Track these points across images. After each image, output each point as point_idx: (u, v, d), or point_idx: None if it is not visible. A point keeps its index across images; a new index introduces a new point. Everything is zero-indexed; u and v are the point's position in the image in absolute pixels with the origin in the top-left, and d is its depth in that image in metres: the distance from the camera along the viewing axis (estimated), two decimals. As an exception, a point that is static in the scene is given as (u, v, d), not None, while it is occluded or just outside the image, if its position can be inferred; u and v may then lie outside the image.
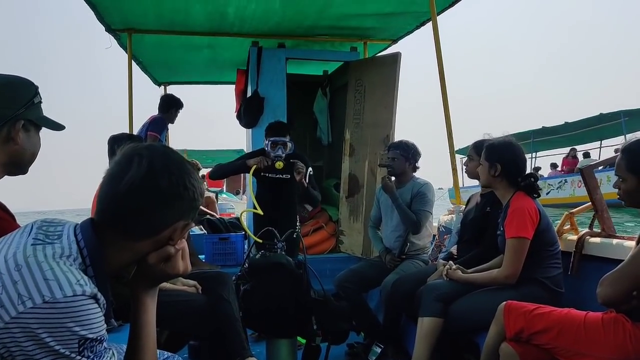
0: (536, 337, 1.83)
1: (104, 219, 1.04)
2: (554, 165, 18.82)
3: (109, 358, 0.96)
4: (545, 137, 18.20)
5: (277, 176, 3.64)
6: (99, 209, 1.05)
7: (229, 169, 3.87)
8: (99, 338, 0.93)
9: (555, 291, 2.31)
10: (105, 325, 0.96)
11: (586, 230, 2.57)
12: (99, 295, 0.95)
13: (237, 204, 11.45)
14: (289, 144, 3.57)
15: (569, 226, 2.70)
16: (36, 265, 0.90)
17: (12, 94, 1.30)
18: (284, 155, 3.55)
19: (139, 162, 1.02)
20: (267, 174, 3.65)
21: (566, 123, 16.42)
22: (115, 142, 2.94)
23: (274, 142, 3.55)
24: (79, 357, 0.89)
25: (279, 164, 3.50)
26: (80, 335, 0.89)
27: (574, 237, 2.56)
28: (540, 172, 19.48)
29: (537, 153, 19.97)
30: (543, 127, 17.37)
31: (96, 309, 0.93)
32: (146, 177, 1.01)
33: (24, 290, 0.87)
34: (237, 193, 15.31)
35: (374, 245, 3.71)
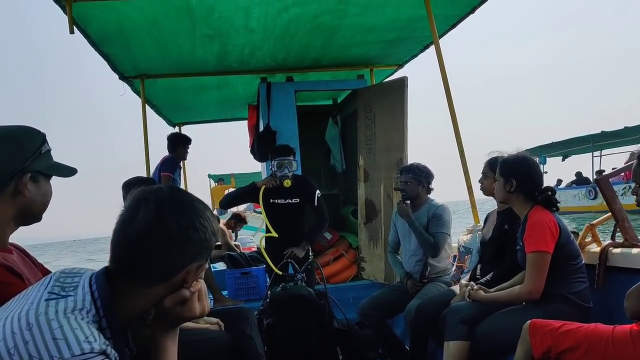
0: (564, 355, 1.79)
1: (117, 266, 1.04)
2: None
3: None
4: (605, 142, 17.89)
5: (287, 201, 3.74)
6: (112, 256, 1.05)
7: (237, 195, 3.97)
8: None
9: (582, 306, 2.25)
10: None
11: (609, 241, 2.52)
12: (109, 350, 0.95)
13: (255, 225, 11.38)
14: (294, 163, 3.75)
15: (590, 238, 2.65)
16: (46, 324, 0.91)
17: (18, 147, 1.28)
18: (290, 174, 3.69)
19: (146, 206, 1.02)
20: (276, 200, 3.74)
21: (625, 128, 16.15)
22: (129, 187, 2.99)
23: (280, 162, 3.70)
24: None
25: (287, 182, 3.64)
26: None
27: (597, 249, 2.51)
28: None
29: (603, 151, 19.42)
30: (602, 131, 17.11)
31: None
32: (154, 222, 1.01)
33: (34, 350, 0.88)
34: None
35: (395, 271, 3.68)
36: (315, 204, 3.80)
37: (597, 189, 16.76)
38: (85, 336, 0.91)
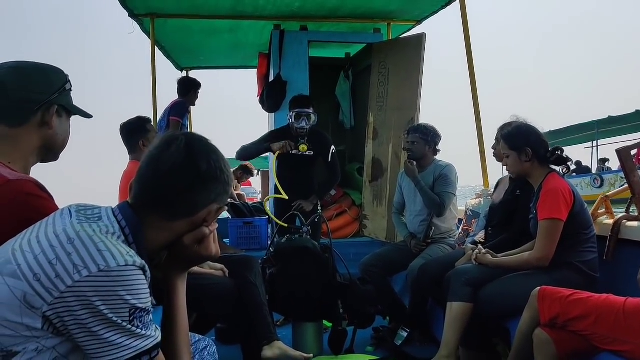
0: (573, 323, 1.78)
1: (142, 199, 1.08)
2: None
3: (154, 330, 0.98)
4: (612, 127, 16.71)
5: (300, 153, 3.67)
6: (137, 191, 1.08)
7: (253, 150, 3.90)
8: (146, 309, 0.95)
9: (590, 276, 2.24)
10: (150, 298, 0.98)
11: (623, 214, 2.49)
12: (146, 267, 0.98)
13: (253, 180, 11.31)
14: (313, 116, 3.64)
15: (603, 210, 2.61)
16: (88, 238, 0.94)
17: (46, 79, 1.32)
18: (307, 127, 3.60)
19: (178, 145, 1.07)
20: (290, 151, 3.68)
21: (637, 111, 14.84)
22: (132, 126, 2.90)
23: (298, 113, 3.61)
24: (129, 326, 0.92)
25: (303, 147, 3.55)
26: (131, 304, 0.91)
27: (610, 221, 2.47)
28: (608, 165, 17.97)
29: (599, 141, 18.13)
30: (609, 116, 15.89)
31: (144, 280, 0.96)
32: (187, 159, 1.06)
33: (79, 260, 0.90)
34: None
35: (399, 232, 3.68)
36: (329, 159, 3.75)
37: (603, 177, 16.06)
38: (127, 251, 0.96)
